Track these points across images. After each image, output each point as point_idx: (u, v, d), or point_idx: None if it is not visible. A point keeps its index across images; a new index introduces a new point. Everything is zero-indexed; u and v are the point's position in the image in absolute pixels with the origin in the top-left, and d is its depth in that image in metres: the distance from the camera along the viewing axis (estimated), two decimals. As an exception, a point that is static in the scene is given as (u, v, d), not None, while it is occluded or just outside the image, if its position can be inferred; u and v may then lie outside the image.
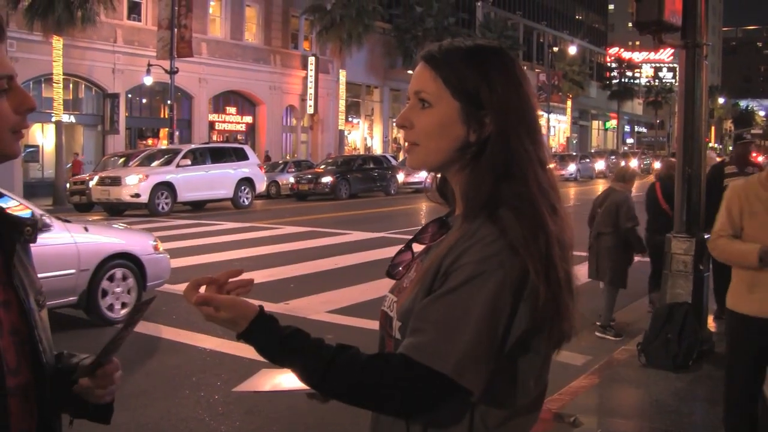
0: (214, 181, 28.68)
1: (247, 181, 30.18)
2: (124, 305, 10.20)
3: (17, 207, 9.28)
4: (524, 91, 1.85)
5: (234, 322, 1.82)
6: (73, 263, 9.65)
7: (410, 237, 2.08)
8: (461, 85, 1.81)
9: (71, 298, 9.69)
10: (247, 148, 32.23)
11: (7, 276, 1.79)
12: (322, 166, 37.22)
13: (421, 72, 1.88)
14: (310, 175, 35.46)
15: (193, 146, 30.73)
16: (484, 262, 1.68)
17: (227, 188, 29.34)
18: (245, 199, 30.11)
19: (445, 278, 1.72)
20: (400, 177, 38.28)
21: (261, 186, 31.39)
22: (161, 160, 28.51)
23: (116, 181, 26.63)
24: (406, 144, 1.92)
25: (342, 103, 50.85)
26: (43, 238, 8.93)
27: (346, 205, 30.95)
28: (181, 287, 10.48)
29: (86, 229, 10.31)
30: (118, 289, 10.24)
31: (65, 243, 9.64)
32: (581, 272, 8.88)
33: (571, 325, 1.77)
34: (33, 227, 1.89)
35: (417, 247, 2.05)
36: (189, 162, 28.38)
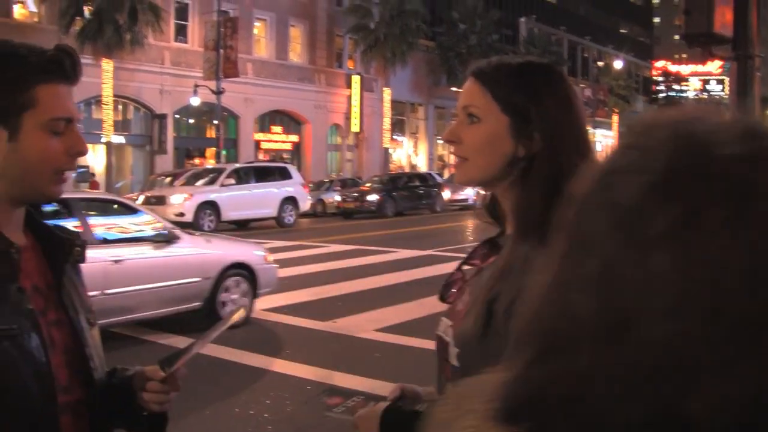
0: (258, 200, 28.79)
1: (291, 200, 30.19)
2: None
3: (149, 221, 10.70)
4: (573, 106, 1.84)
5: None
6: (199, 272, 10.63)
7: (458, 255, 2.08)
8: (510, 100, 1.80)
9: (197, 303, 10.62)
10: (291, 167, 32.27)
11: (57, 296, 1.83)
12: (368, 184, 37.22)
13: (471, 87, 1.88)
14: (355, 193, 35.46)
15: (237, 165, 30.85)
16: None
17: (271, 207, 29.38)
18: (289, 218, 30.12)
19: (510, 315, 1.66)
20: (446, 194, 38.15)
21: (305, 205, 31.37)
22: (206, 179, 28.67)
23: (161, 201, 26.79)
24: (455, 159, 1.91)
25: (387, 121, 50.93)
26: (173, 249, 10.32)
27: (392, 223, 30.91)
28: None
29: (209, 241, 11.63)
30: (234, 296, 11.07)
31: (192, 254, 10.76)
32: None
33: None
34: (82, 248, 1.95)
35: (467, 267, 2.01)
36: (233, 181, 28.49)
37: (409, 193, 36.72)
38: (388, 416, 1.82)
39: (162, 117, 38.92)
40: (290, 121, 48.56)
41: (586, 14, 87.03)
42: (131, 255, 9.93)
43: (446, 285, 2.03)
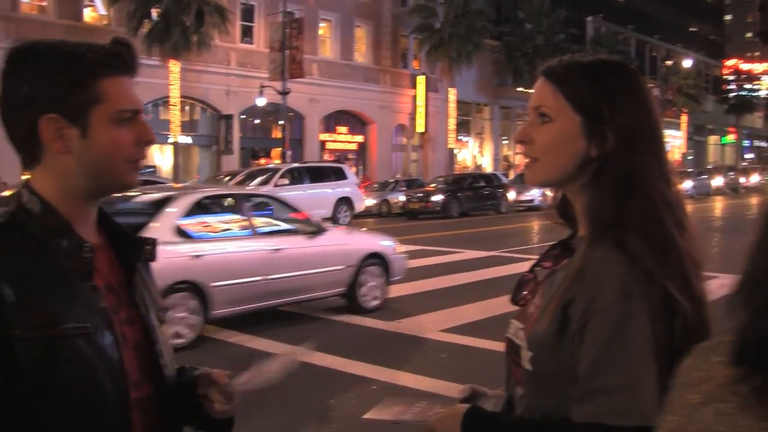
0: (312, 200, 28.70)
1: (346, 201, 30.23)
2: (374, 298, 12.24)
3: (301, 215, 12.22)
4: (647, 105, 1.82)
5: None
6: (343, 260, 11.82)
7: (523, 256, 2.03)
8: (582, 99, 1.79)
9: (341, 289, 11.91)
10: (346, 168, 32.09)
11: (129, 294, 1.87)
12: (433, 185, 37.17)
13: (542, 87, 1.87)
14: (420, 193, 35.43)
15: (291, 165, 30.90)
16: (628, 299, 1.63)
17: (326, 208, 29.28)
18: (344, 219, 30.11)
19: (586, 320, 1.67)
20: (511, 195, 37.94)
21: (359, 206, 31.36)
22: (260, 179, 28.78)
23: None
24: (526, 159, 1.90)
25: (452, 122, 50.84)
26: (322, 240, 11.61)
27: (457, 223, 30.82)
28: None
29: (349, 233, 13.35)
30: (372, 283, 12.28)
31: (337, 244, 12.04)
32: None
33: None
34: (153, 246, 1.98)
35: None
36: (287, 181, 28.56)
37: (474, 194, 36.61)
38: (469, 417, 1.77)
39: (228, 117, 39.32)
40: (355, 121, 48.72)
41: (655, 12, 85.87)
42: (288, 245, 11.21)
43: (517, 287, 2.00)
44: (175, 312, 9.39)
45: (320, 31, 46.22)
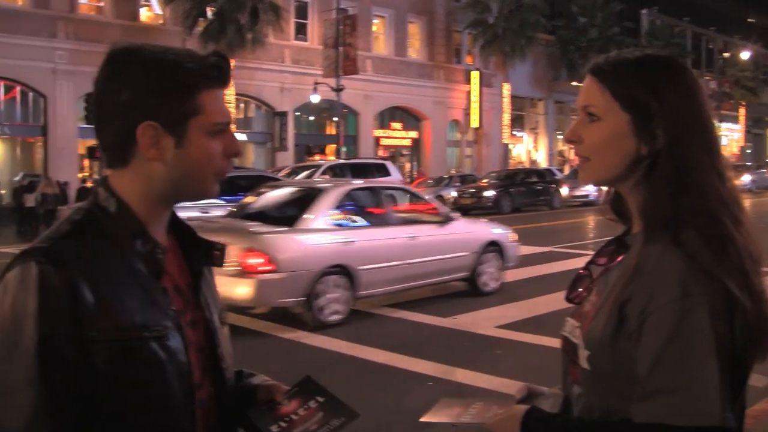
0: None
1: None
2: (493, 281, 13.43)
3: (431, 205, 13.76)
4: (697, 100, 1.80)
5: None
6: (467, 247, 12.98)
7: (578, 252, 2.03)
8: (630, 96, 1.78)
9: (465, 273, 13.07)
10: (389, 164, 31.41)
11: (195, 297, 1.89)
12: (485, 180, 36.99)
13: (589, 85, 1.85)
14: (472, 189, 35.29)
15: (334, 162, 30.75)
16: (688, 297, 1.62)
17: None
18: None
19: (644, 318, 1.66)
20: (564, 191, 37.63)
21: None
22: (303, 174, 28.78)
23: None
24: (577, 159, 1.89)
25: (506, 117, 50.59)
26: (450, 228, 12.85)
27: (510, 219, 30.60)
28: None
29: (472, 223, 14.56)
30: (490, 269, 13.42)
31: (463, 232, 13.26)
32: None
33: None
34: (222, 251, 1.97)
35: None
36: (328, 177, 28.58)
37: (527, 189, 36.48)
38: (528, 419, 1.76)
39: (282, 114, 39.49)
40: (409, 117, 48.65)
41: (711, 3, 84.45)
42: (422, 233, 12.43)
43: (572, 284, 1.99)
44: (329, 293, 10.82)
45: (374, 28, 46.18)
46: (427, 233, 12.49)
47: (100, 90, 1.74)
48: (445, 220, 12.97)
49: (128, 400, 1.66)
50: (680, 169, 1.73)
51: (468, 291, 13.17)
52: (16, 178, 31.20)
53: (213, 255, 1.95)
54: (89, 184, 28.73)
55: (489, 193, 34.32)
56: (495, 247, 13.47)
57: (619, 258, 1.87)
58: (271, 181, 16.24)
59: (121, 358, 1.65)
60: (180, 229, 1.95)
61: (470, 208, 33.56)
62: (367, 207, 12.62)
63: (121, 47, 1.77)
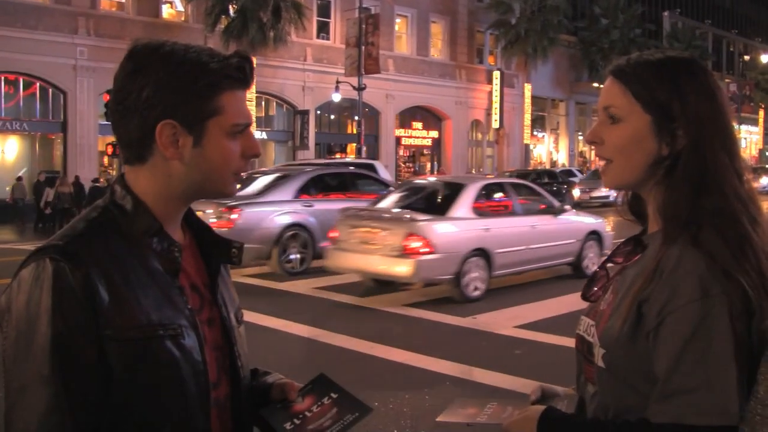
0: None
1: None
2: (593, 265, 14.47)
3: (545, 197, 15.74)
4: (718, 101, 1.80)
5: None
6: (574, 235, 14.95)
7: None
8: (652, 98, 1.78)
9: (571, 259, 14.97)
10: (379, 165, 29.03)
11: (212, 295, 1.89)
12: None
13: (610, 87, 1.86)
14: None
15: (312, 164, 29.17)
16: (707, 297, 1.62)
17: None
18: None
19: (663, 318, 1.66)
20: (576, 192, 37.33)
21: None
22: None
23: None
24: (600, 161, 1.89)
25: (527, 117, 50.55)
26: (562, 218, 14.88)
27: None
28: (367, 300, 10.55)
29: (577, 214, 16.11)
30: (591, 255, 15.24)
31: (572, 222, 15.30)
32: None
33: None
34: (239, 249, 1.96)
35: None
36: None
37: None
38: (545, 420, 1.76)
39: (304, 113, 39.53)
40: (431, 116, 48.63)
41: (733, 6, 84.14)
42: (541, 222, 14.35)
43: (589, 283, 1.99)
44: (472, 272, 12.71)
45: (396, 27, 46.19)
46: (545, 223, 14.48)
47: (120, 86, 1.74)
48: (559, 212, 15.03)
49: (143, 399, 1.66)
50: (701, 170, 1.74)
51: (572, 274, 14.95)
52: (18, 174, 31.22)
53: (231, 253, 1.94)
54: (102, 182, 28.82)
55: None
56: (595, 236, 15.38)
57: (636, 257, 1.88)
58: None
59: (136, 356, 1.65)
60: (197, 227, 1.95)
61: None
62: (499, 198, 14.99)
63: (143, 43, 1.77)
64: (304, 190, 16.31)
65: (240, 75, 1.78)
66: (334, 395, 1.99)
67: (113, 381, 1.63)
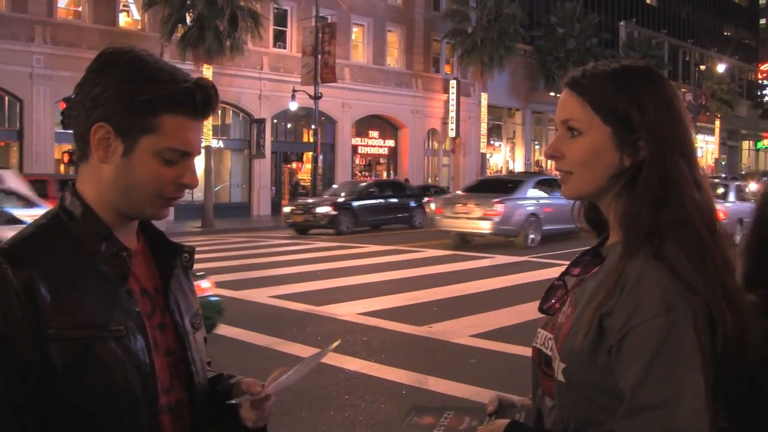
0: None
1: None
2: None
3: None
4: (676, 109, 1.78)
5: None
6: None
7: (553, 261, 2.03)
8: (611, 109, 1.76)
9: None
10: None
11: (164, 300, 1.91)
12: (327, 195, 34.35)
13: (567, 99, 1.84)
14: (308, 206, 30.18)
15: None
16: (672, 311, 1.61)
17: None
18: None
19: (626, 333, 1.64)
20: (433, 205, 31.72)
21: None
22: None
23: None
24: (559, 174, 1.88)
25: (484, 126, 50.70)
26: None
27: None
28: (324, 309, 10.55)
29: None
30: None
31: None
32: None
33: (755, 347, 1.71)
34: (190, 254, 2.01)
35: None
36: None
37: (380, 206, 31.20)
38: None
39: (261, 122, 39.38)
40: (387, 125, 48.69)
41: (689, 17, 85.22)
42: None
43: (546, 295, 1.96)
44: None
45: (353, 36, 46.24)
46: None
47: (81, 82, 1.79)
48: None
49: (87, 400, 1.68)
50: (662, 180, 1.73)
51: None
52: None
53: (182, 258, 1.98)
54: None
55: (323, 210, 28.94)
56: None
57: (595, 269, 1.85)
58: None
59: (79, 356, 1.67)
60: (151, 233, 1.98)
61: (308, 227, 29.38)
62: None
63: (114, 47, 1.81)
64: (533, 190, 24.22)
65: (184, 100, 1.77)
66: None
67: (57, 380, 1.65)
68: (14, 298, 1.63)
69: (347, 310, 12.29)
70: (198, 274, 9.20)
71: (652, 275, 1.65)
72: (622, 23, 69.46)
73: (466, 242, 23.83)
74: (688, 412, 1.57)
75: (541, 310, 1.94)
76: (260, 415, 1.96)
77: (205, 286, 9.13)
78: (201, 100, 1.80)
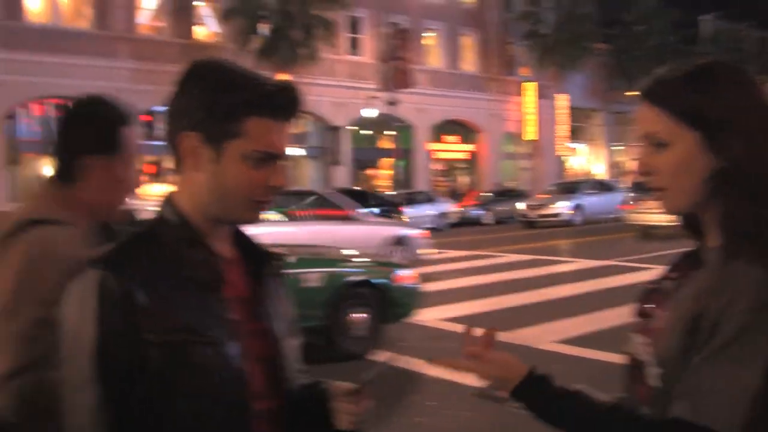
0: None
1: None
2: None
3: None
4: (762, 101, 1.71)
5: (505, 379, 1.88)
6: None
7: (640, 265, 1.90)
8: (693, 113, 1.68)
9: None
10: None
11: (257, 307, 1.94)
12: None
13: (645, 111, 1.76)
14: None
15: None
16: (759, 311, 1.54)
17: None
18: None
19: (713, 329, 1.57)
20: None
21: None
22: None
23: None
24: (653, 192, 1.80)
25: (562, 129, 50.29)
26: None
27: (576, 231, 30.45)
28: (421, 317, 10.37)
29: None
30: None
31: None
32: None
33: None
34: (281, 261, 2.08)
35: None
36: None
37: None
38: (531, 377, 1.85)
39: (337, 129, 39.65)
40: (464, 130, 48.61)
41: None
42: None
43: (642, 299, 1.90)
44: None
45: (427, 41, 46.31)
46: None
47: (171, 95, 1.85)
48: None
49: (183, 404, 1.74)
50: (759, 176, 1.65)
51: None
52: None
53: (273, 265, 2.03)
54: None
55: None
56: None
57: (693, 273, 1.75)
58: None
59: (173, 362, 1.72)
60: (245, 241, 2.01)
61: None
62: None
63: (202, 60, 1.88)
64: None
65: (265, 103, 1.80)
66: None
67: (154, 384, 1.72)
68: (114, 304, 1.70)
69: (430, 316, 12.18)
70: (400, 264, 10.84)
71: (749, 277, 1.57)
72: (703, 18, 68.21)
73: (648, 235, 24.98)
74: (728, 406, 1.55)
75: (636, 314, 1.89)
76: (357, 415, 1.98)
77: (405, 274, 10.42)
78: (282, 102, 1.83)
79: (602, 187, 37.79)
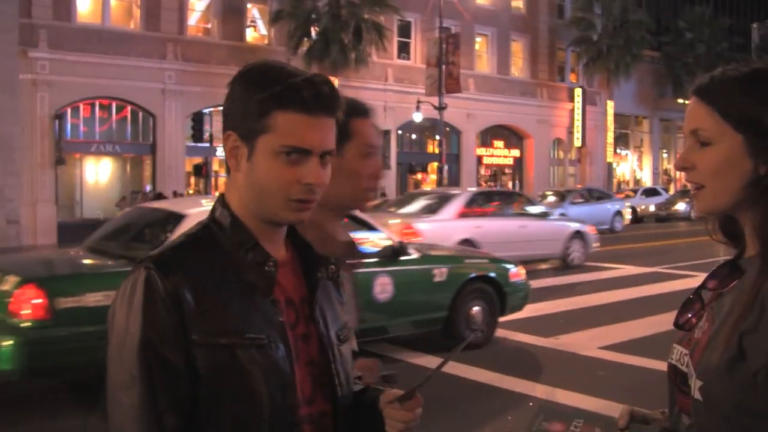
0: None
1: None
2: None
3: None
4: None
5: None
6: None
7: (683, 273, 1.98)
8: (742, 115, 1.68)
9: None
10: None
11: (309, 311, 1.91)
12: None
13: (695, 108, 1.76)
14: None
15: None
16: None
17: None
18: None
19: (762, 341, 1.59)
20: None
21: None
22: None
23: None
24: (691, 186, 1.80)
25: (610, 135, 49.94)
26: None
27: (618, 238, 30.20)
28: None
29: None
30: None
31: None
32: None
33: None
34: (336, 266, 2.00)
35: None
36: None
37: None
38: None
39: (386, 133, 39.67)
40: (512, 135, 48.35)
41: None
42: None
43: (681, 309, 1.87)
44: None
45: (477, 46, 46.12)
46: None
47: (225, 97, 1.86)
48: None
49: (229, 405, 1.72)
50: None
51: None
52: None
53: (328, 269, 1.97)
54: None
55: None
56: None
57: (733, 283, 1.76)
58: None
59: (221, 363, 1.71)
60: (300, 244, 1.98)
61: None
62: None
63: (253, 62, 1.87)
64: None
65: (292, 96, 1.76)
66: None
67: (200, 385, 1.70)
68: (161, 304, 1.69)
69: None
70: (509, 263, 11.43)
71: None
72: (754, 25, 67.25)
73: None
74: None
75: (676, 325, 1.87)
76: (407, 422, 1.91)
77: (515, 271, 11.26)
78: (311, 94, 1.77)
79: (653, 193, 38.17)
